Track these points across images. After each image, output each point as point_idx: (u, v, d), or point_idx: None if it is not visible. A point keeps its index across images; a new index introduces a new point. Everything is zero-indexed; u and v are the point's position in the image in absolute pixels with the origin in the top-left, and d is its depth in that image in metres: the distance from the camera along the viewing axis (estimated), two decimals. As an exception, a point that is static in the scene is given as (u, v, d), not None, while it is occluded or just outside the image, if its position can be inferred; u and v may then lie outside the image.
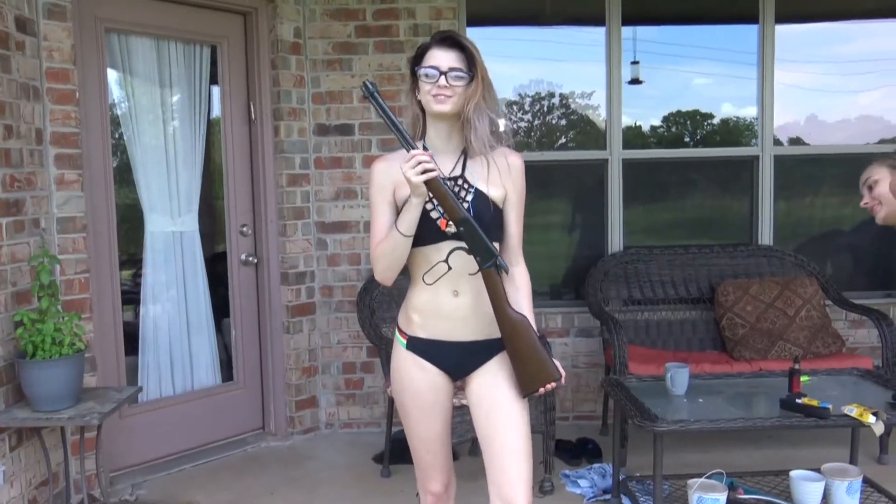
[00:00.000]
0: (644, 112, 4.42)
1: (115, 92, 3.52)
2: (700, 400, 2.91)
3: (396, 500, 3.24)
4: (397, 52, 3.97)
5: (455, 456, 3.65)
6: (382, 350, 3.47)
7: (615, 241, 4.22)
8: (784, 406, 2.74)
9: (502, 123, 1.93)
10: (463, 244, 1.83)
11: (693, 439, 3.72)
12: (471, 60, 1.84)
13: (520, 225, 1.98)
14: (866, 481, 2.93)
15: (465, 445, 3.53)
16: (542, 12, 4.29)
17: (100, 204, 3.32)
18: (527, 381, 1.87)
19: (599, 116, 4.34)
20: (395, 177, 1.85)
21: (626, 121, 4.29)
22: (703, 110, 4.47)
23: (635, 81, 4.32)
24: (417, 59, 1.88)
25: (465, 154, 1.91)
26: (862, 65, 4.35)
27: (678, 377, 2.96)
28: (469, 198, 1.87)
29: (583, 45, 4.38)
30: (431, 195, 1.79)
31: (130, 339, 3.56)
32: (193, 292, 3.79)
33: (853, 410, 2.60)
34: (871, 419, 2.55)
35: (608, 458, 3.51)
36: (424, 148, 1.87)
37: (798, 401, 2.70)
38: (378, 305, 3.57)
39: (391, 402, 3.54)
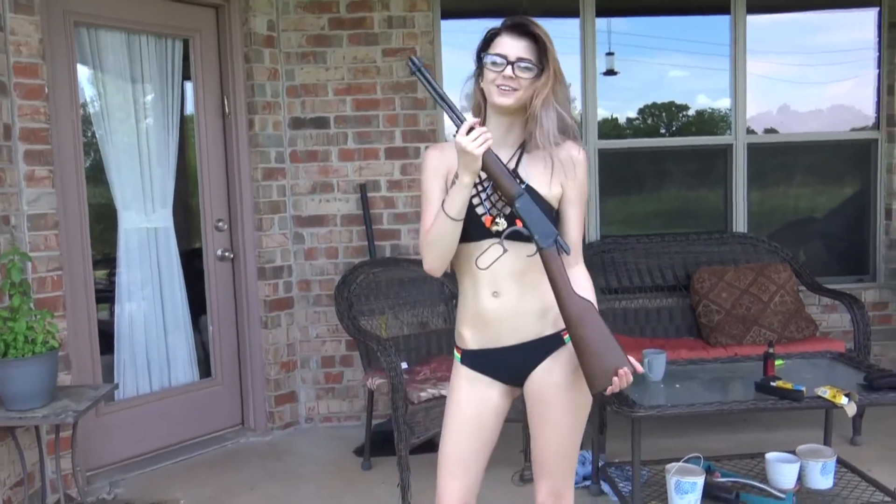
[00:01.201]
0: (620, 104, 4.44)
1: (86, 88, 3.47)
2: (677, 385, 2.94)
3: (377, 493, 3.24)
4: (371, 44, 3.96)
5: (435, 447, 3.67)
6: (361, 343, 3.47)
7: (592, 230, 4.25)
8: (759, 389, 2.77)
9: (571, 118, 1.79)
10: (508, 239, 1.73)
11: (671, 424, 3.76)
12: (542, 51, 1.73)
13: (580, 224, 1.85)
14: (840, 462, 2.98)
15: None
16: (517, 4, 4.29)
17: (72, 200, 3.28)
18: (596, 375, 1.70)
19: (575, 108, 4.35)
20: (450, 163, 1.78)
21: (602, 112, 4.32)
22: (679, 101, 4.51)
23: (610, 73, 4.35)
24: (485, 44, 1.77)
25: (523, 149, 1.80)
26: (833, 55, 4.41)
27: (655, 363, 2.99)
28: None
29: (557, 36, 4.29)
30: (485, 174, 1.70)
31: (106, 336, 3.52)
32: (169, 289, 3.76)
33: (826, 392, 2.64)
34: (843, 401, 2.59)
35: (587, 444, 3.52)
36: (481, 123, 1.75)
37: (772, 384, 2.73)
38: (356, 298, 3.56)
39: (371, 394, 3.54)
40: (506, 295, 1.79)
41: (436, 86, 1.73)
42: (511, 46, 1.73)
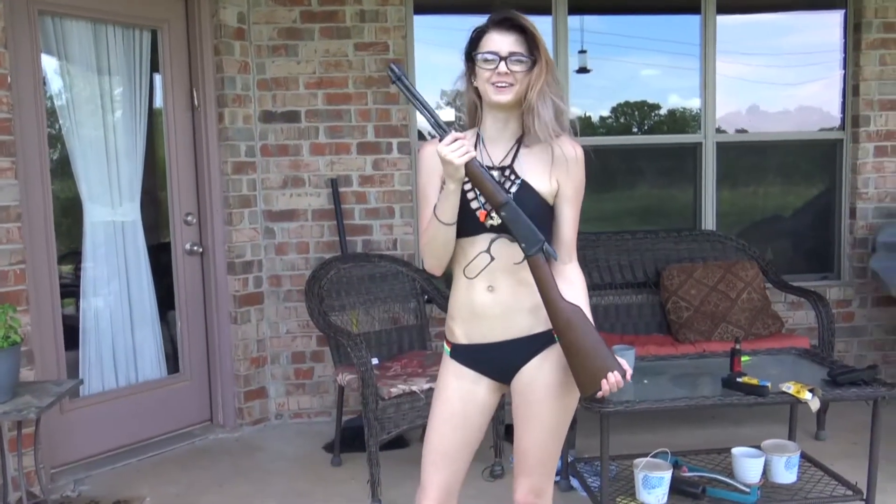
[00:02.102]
0: (592, 102, 4.47)
1: (51, 78, 3.40)
2: (645, 381, 2.96)
3: (348, 489, 3.23)
4: (343, 38, 3.93)
5: (406, 443, 3.68)
6: (332, 339, 3.45)
7: (563, 227, 4.26)
8: (725, 385, 2.81)
9: (566, 108, 1.78)
10: (504, 234, 1.72)
11: (639, 420, 3.80)
12: (532, 43, 1.72)
13: (575, 221, 1.83)
14: (804, 456, 3.03)
15: (417, 432, 3.53)
16: (490, 1, 4.29)
17: (35, 193, 3.21)
18: (586, 380, 1.70)
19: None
20: None
21: (575, 111, 4.33)
22: (651, 101, 4.54)
23: (583, 70, 4.37)
24: (473, 44, 1.76)
25: (519, 143, 1.80)
26: (801, 57, 4.47)
27: (624, 359, 3.00)
28: (513, 189, 1.76)
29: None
30: (469, 180, 1.70)
31: (72, 332, 3.46)
32: (137, 283, 3.70)
33: (791, 388, 2.68)
34: (807, 396, 2.64)
35: (557, 441, 3.54)
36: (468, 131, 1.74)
37: (739, 380, 2.76)
38: (327, 294, 3.54)
39: (341, 390, 3.52)
40: (501, 290, 1.79)
41: (417, 94, 1.71)
42: (501, 42, 1.72)
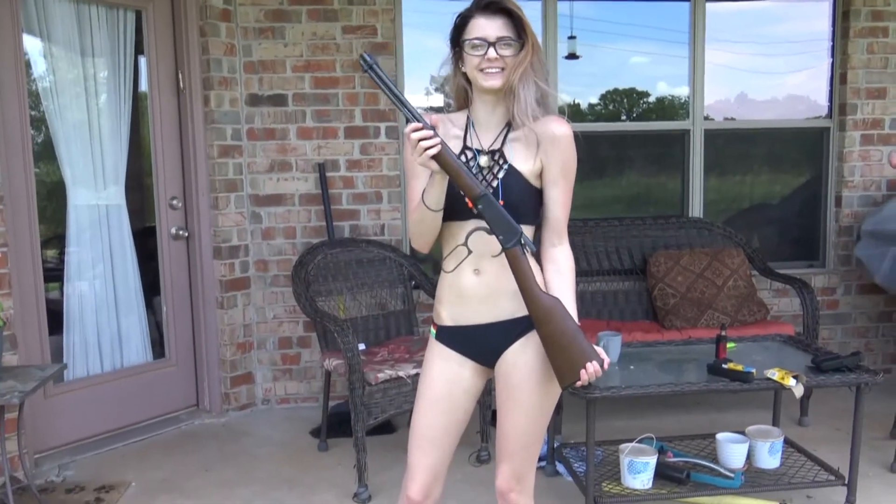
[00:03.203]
0: (581, 89, 4.45)
1: (34, 60, 3.35)
2: (631, 367, 2.97)
3: (334, 474, 3.23)
4: (331, 20, 3.89)
5: (393, 428, 3.69)
6: (319, 324, 3.44)
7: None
8: (711, 371, 2.82)
9: (551, 91, 1.75)
10: (485, 224, 1.70)
11: (625, 406, 3.82)
12: (519, 25, 1.69)
13: (566, 203, 1.80)
14: (787, 442, 3.06)
15: (404, 417, 3.53)
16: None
17: (17, 176, 3.17)
18: (564, 371, 1.70)
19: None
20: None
21: (564, 97, 4.31)
22: (640, 88, 4.54)
23: (572, 56, 4.35)
24: (458, 29, 1.73)
25: (509, 127, 1.77)
26: (789, 45, 4.47)
27: (611, 345, 3.02)
28: (501, 174, 1.74)
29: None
30: (474, 154, 1.69)
31: (56, 316, 3.43)
32: (122, 267, 3.67)
33: (775, 374, 2.70)
34: (791, 382, 2.66)
35: (544, 426, 3.56)
36: (432, 124, 1.67)
37: (724, 366, 2.78)
38: (314, 279, 3.52)
39: (328, 376, 3.52)
40: (486, 273, 1.79)
41: (391, 85, 1.67)
42: (488, 27, 1.69)
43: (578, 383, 1.71)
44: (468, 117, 1.82)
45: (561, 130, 1.76)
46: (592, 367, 1.69)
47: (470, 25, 1.72)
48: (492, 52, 1.69)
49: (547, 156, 1.77)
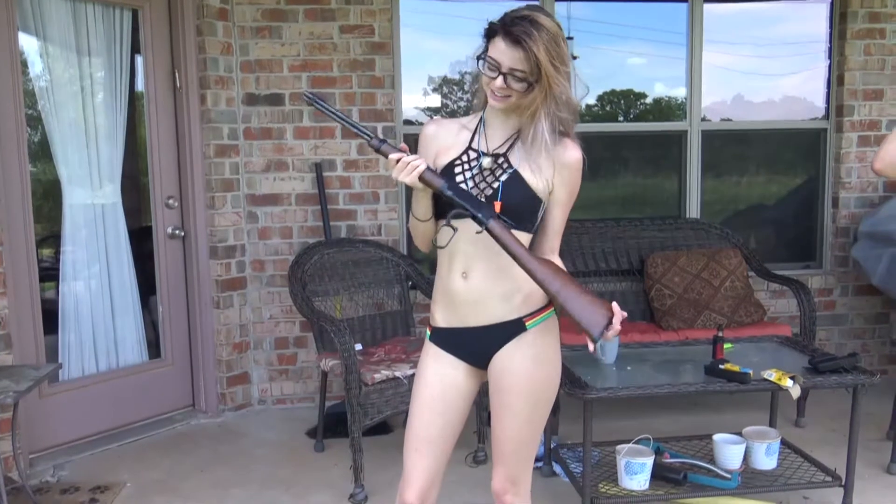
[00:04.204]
0: (580, 90, 4.44)
1: (30, 58, 3.33)
2: (629, 368, 2.97)
3: (330, 475, 3.22)
4: (328, 20, 3.88)
5: (389, 428, 3.68)
6: (315, 324, 3.43)
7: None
8: (708, 372, 2.82)
9: (570, 118, 1.75)
10: (457, 212, 1.73)
11: (622, 406, 3.82)
12: (535, 62, 1.64)
13: (563, 221, 1.85)
14: (784, 443, 3.06)
15: (400, 418, 3.53)
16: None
17: (13, 174, 3.16)
18: (591, 317, 1.67)
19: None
20: (442, 143, 1.83)
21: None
22: (637, 89, 4.53)
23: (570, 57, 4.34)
24: (489, 35, 1.71)
25: (519, 134, 1.79)
26: (787, 47, 4.48)
27: (608, 346, 3.01)
28: (503, 177, 1.75)
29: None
30: (471, 160, 1.77)
31: (51, 316, 3.42)
32: (117, 267, 3.66)
33: (772, 375, 2.69)
34: (788, 383, 2.65)
35: (540, 427, 3.55)
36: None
37: (721, 367, 2.78)
38: (310, 279, 3.51)
39: (325, 376, 3.51)
40: (474, 277, 1.80)
41: (339, 114, 1.77)
42: (505, 55, 1.66)
43: (610, 331, 1.67)
44: (481, 118, 1.84)
45: (574, 157, 1.79)
46: (616, 307, 1.69)
47: (493, 42, 1.70)
48: (499, 81, 1.69)
49: (559, 180, 1.79)
